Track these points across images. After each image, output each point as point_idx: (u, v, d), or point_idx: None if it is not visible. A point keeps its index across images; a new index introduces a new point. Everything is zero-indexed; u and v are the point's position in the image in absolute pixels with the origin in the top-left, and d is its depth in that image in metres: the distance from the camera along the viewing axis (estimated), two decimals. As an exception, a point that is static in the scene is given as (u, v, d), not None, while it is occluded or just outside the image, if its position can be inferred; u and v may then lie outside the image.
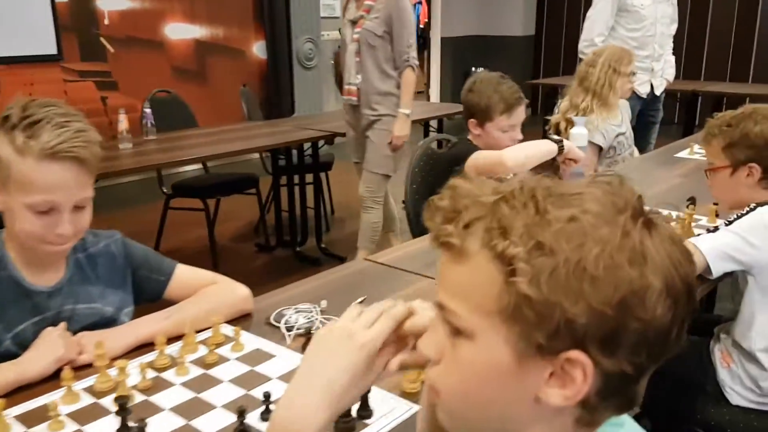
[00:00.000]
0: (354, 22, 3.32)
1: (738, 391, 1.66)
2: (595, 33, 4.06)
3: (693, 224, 1.99)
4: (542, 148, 2.08)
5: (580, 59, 4.04)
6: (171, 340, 1.28)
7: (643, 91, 4.20)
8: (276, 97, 6.49)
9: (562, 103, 3.17)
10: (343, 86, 3.48)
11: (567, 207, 0.58)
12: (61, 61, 5.13)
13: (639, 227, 0.59)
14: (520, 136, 2.21)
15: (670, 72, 4.16)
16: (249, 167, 4.36)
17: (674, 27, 4.17)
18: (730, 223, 1.60)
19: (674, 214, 1.97)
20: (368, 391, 1.04)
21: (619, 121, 3.08)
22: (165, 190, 3.82)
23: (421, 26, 10.60)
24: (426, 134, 4.64)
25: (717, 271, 1.56)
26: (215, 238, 4.28)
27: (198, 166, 4.19)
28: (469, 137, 2.26)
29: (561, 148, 2.08)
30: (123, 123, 3.18)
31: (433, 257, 0.64)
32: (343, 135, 3.68)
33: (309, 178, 4.06)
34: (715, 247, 1.56)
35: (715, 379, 1.70)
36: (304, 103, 6.55)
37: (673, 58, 4.17)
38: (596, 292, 0.55)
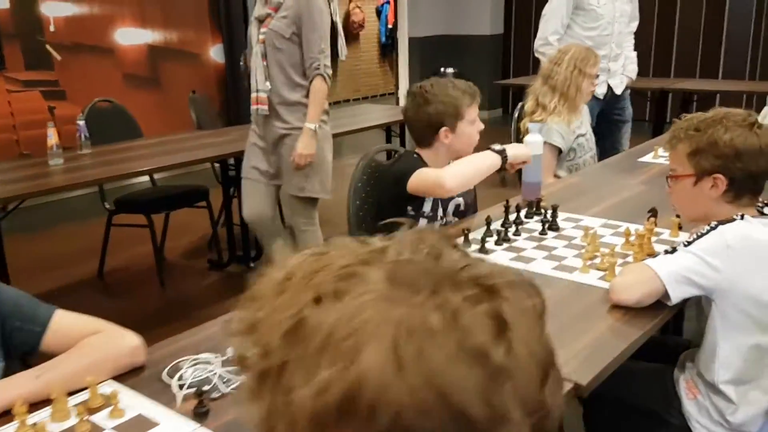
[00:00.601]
0: (261, 21, 2.93)
1: (705, 425, 1.50)
2: (549, 31, 3.94)
3: (654, 239, 1.84)
4: (484, 163, 1.92)
5: (537, 59, 3.96)
6: (41, 404, 1.09)
7: (600, 91, 4.01)
8: (235, 102, 6.28)
9: (528, 103, 3.02)
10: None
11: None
12: (3, 71, 4.88)
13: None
14: (482, 126, 2.08)
15: (632, 69, 4.00)
16: (202, 178, 4.15)
17: (635, 24, 4.02)
18: (690, 243, 1.44)
19: (633, 228, 1.81)
20: None
21: (578, 122, 2.94)
22: (107, 206, 3.61)
23: (390, 26, 10.49)
24: (388, 140, 4.47)
25: (676, 297, 1.40)
26: (165, 255, 4.10)
27: (145, 178, 3.99)
28: (419, 150, 2.08)
29: (505, 159, 1.92)
30: (52, 137, 2.95)
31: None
32: None
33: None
34: (674, 271, 1.40)
35: (680, 411, 1.55)
36: (265, 108, 6.34)
37: (634, 55, 4.01)
38: None
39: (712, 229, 1.43)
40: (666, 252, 1.46)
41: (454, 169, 1.88)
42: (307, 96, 2.87)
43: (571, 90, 2.86)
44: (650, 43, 7.48)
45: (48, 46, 5.13)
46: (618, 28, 3.87)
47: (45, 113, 5.07)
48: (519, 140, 3.00)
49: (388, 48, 10.60)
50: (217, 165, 3.85)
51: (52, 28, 5.14)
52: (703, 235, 1.43)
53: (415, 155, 2.04)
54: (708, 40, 7.21)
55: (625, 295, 1.42)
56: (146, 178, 3.95)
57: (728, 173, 1.46)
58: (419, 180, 1.87)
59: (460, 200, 2.10)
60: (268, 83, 2.92)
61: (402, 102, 9.02)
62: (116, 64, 5.55)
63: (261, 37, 2.88)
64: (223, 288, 3.69)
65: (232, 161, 3.66)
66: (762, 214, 1.50)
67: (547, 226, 1.95)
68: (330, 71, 2.89)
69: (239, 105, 6.29)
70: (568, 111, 2.89)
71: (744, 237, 1.40)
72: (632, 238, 1.76)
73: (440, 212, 2.04)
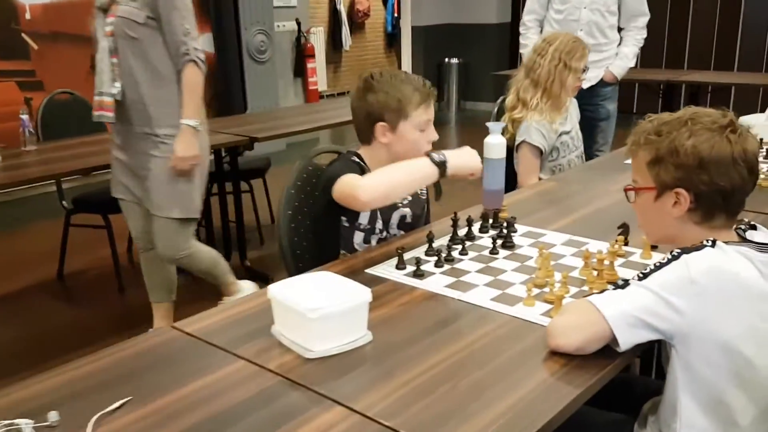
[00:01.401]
0: (105, 10, 2.43)
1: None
2: (526, 11, 3.78)
3: (620, 261, 1.57)
4: (414, 174, 1.64)
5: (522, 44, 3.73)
6: None
7: None
8: (226, 93, 6.07)
9: (509, 98, 2.75)
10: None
11: None
12: (-24, 60, 4.71)
13: None
14: (436, 136, 1.79)
15: (618, 65, 3.65)
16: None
17: (642, 20, 3.66)
18: (645, 276, 1.17)
19: (595, 248, 1.54)
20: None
21: (563, 118, 2.66)
22: (66, 205, 3.41)
23: (396, 15, 10.18)
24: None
25: (626, 342, 1.14)
26: (132, 257, 3.90)
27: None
28: (361, 149, 1.83)
29: (444, 170, 1.66)
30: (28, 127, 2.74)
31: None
32: (280, 137, 3.23)
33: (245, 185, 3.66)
34: (623, 312, 1.14)
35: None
36: (258, 99, 6.11)
37: (630, 51, 3.66)
38: None
39: (674, 258, 1.16)
40: (616, 286, 1.20)
41: (374, 179, 1.62)
42: (178, 92, 2.40)
43: (555, 86, 2.58)
44: (662, 33, 7.11)
45: (24, 35, 4.94)
46: (587, 15, 3.58)
47: (21, 104, 4.89)
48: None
49: (395, 37, 10.30)
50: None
51: (28, 16, 4.94)
52: (662, 265, 1.17)
53: (353, 156, 1.79)
54: (723, 30, 6.83)
55: (563, 339, 1.16)
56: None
57: (692, 187, 1.19)
58: (338, 189, 1.62)
59: (407, 210, 1.84)
60: (117, 85, 2.43)
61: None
62: (98, 53, 5.34)
63: (108, 29, 2.42)
64: (188, 293, 3.47)
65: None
66: (744, 239, 1.22)
67: (499, 243, 1.69)
68: (202, 55, 2.42)
69: (231, 95, 6.10)
70: (551, 108, 2.61)
71: (713, 270, 1.13)
72: (594, 260, 1.49)
73: (379, 224, 1.79)
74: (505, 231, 1.73)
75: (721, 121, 1.19)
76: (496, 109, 2.91)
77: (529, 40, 3.66)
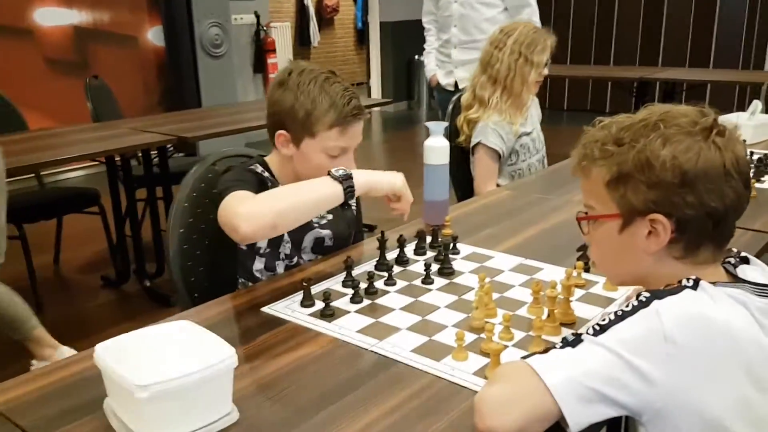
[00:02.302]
0: None
1: None
2: (424, 11, 3.57)
3: (579, 294, 1.27)
4: (310, 195, 1.32)
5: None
6: None
7: (445, 81, 3.52)
8: (178, 89, 5.71)
9: (464, 96, 2.45)
10: None
11: None
12: None
13: None
14: (353, 168, 1.43)
15: None
16: (100, 179, 3.56)
17: (526, 12, 3.26)
18: (602, 329, 0.87)
19: (550, 276, 1.24)
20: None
21: (524, 118, 2.37)
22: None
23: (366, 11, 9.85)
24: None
25: (577, 423, 0.83)
26: (60, 270, 3.56)
27: (33, 181, 3.43)
28: (269, 157, 1.52)
29: (350, 190, 1.33)
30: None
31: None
32: (212, 136, 2.90)
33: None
34: (574, 380, 0.83)
35: None
36: (213, 94, 5.74)
37: None
38: None
39: (642, 305, 0.86)
40: (564, 343, 0.89)
41: (258, 205, 1.27)
42: None
43: (516, 83, 2.29)
44: (636, 30, 6.89)
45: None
46: (458, 9, 3.33)
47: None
48: (459, 154, 2.44)
49: (365, 34, 9.98)
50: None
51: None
52: (625, 314, 0.87)
53: (254, 165, 1.47)
54: (699, 26, 6.62)
55: (495, 420, 0.84)
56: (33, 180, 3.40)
57: (674, 212, 0.89)
58: (221, 212, 1.28)
59: (325, 232, 1.52)
60: None
61: (375, 93, 8.48)
62: (36, 47, 4.96)
63: None
64: (113, 311, 3.13)
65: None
66: (735, 277, 0.93)
67: (435, 269, 1.39)
68: None
69: (183, 91, 5.74)
70: (511, 108, 2.32)
71: (694, 322, 0.84)
72: (545, 294, 1.19)
73: (286, 249, 1.46)
74: (442, 254, 1.42)
75: (703, 121, 0.89)
76: (451, 107, 2.60)
77: (429, 44, 3.55)
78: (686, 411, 0.83)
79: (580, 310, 1.21)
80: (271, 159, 1.50)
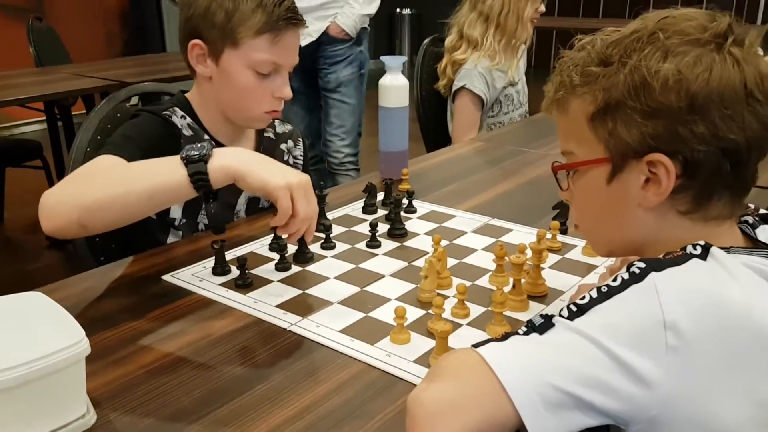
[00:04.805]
0: None
1: None
2: None
3: (553, 261, 1.05)
4: (136, 185, 0.92)
5: None
6: None
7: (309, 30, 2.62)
8: (140, 35, 5.38)
9: (449, 36, 2.19)
10: None
11: None
12: None
13: None
14: (288, 93, 1.19)
15: (347, 13, 2.59)
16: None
17: None
18: (579, 309, 0.65)
19: (520, 239, 1.01)
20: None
21: (517, 63, 2.14)
22: None
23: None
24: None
25: (545, 437, 0.62)
26: (4, 229, 3.30)
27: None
28: (190, 93, 1.26)
29: (202, 180, 0.90)
30: None
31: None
32: (155, 81, 2.62)
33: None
34: (540, 379, 0.61)
35: None
36: (177, 42, 5.43)
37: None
38: None
39: (634, 278, 0.64)
40: (530, 327, 0.67)
41: (63, 193, 0.95)
42: None
43: (510, 20, 2.06)
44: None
45: None
46: None
47: None
48: (435, 103, 2.19)
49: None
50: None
51: None
52: (612, 291, 0.64)
53: (169, 107, 1.21)
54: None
55: (430, 429, 0.63)
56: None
57: (679, 149, 0.66)
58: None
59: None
60: None
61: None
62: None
63: None
64: (59, 271, 2.89)
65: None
66: (754, 241, 0.71)
67: (383, 231, 1.16)
68: None
69: (147, 37, 5.41)
70: (506, 50, 2.09)
71: (705, 303, 0.62)
72: (510, 261, 0.96)
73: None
74: (392, 213, 1.19)
75: (713, 26, 0.66)
76: (421, 56, 2.33)
77: None
78: (688, 421, 0.62)
79: (553, 279, 0.99)
80: (192, 95, 1.24)
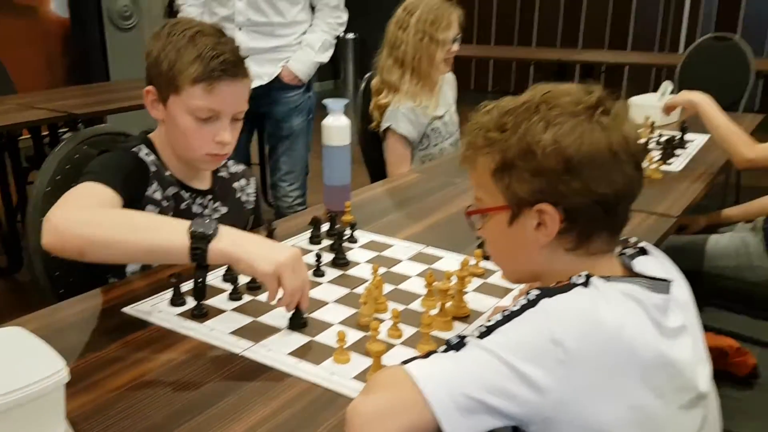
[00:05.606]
0: None
1: None
2: None
3: (477, 283, 1.19)
4: (143, 237, 1.02)
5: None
6: None
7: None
8: (84, 64, 5.35)
9: (374, 80, 2.33)
10: None
11: None
12: None
13: None
14: (228, 138, 1.27)
15: (300, 59, 2.54)
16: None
17: None
18: (488, 330, 0.78)
19: (450, 265, 1.15)
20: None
21: (436, 101, 2.28)
22: None
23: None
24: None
25: (458, 437, 0.75)
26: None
27: None
28: (154, 134, 1.36)
29: (199, 253, 0.98)
30: None
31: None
32: (103, 113, 2.66)
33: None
34: (454, 389, 0.74)
35: None
36: (123, 68, 5.40)
37: (315, 39, 2.55)
38: None
39: (530, 304, 0.78)
40: (448, 346, 0.80)
41: (76, 218, 1.05)
42: None
43: (423, 64, 2.19)
44: (557, 11, 6.94)
45: None
46: None
47: None
48: (374, 136, 2.31)
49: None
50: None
51: None
52: (513, 315, 0.78)
53: (136, 145, 1.31)
54: (617, 8, 6.72)
55: None
56: None
57: (560, 201, 0.82)
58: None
59: (224, 209, 1.39)
60: None
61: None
62: None
63: None
64: (4, 302, 2.88)
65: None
66: (630, 272, 0.86)
67: (328, 261, 1.28)
68: None
69: (90, 65, 5.38)
70: (423, 91, 2.22)
71: (585, 323, 0.76)
72: (439, 286, 1.10)
73: None
74: (336, 244, 1.31)
75: (587, 100, 0.81)
76: (363, 86, 2.48)
77: (187, 15, 2.52)
78: (578, 420, 0.76)
79: (476, 301, 1.13)
80: (154, 136, 1.34)
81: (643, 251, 0.90)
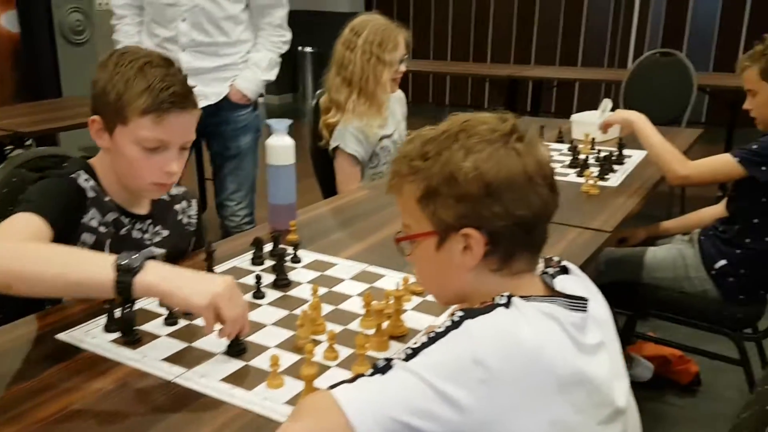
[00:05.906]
0: None
1: None
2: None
3: (416, 301, 1.21)
4: (70, 271, 1.00)
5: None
6: None
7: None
8: (34, 79, 5.24)
9: (322, 99, 2.34)
10: None
11: None
12: None
13: None
14: (175, 169, 1.27)
15: (247, 77, 2.53)
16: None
17: (279, 14, 2.55)
18: (414, 352, 0.80)
19: (392, 284, 1.16)
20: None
21: (384, 120, 2.30)
22: None
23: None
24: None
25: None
26: None
27: None
28: (95, 159, 1.34)
29: (124, 287, 0.97)
30: None
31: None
32: (50, 131, 2.58)
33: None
34: (378, 411, 0.75)
35: None
36: (74, 84, 5.31)
37: (261, 57, 2.55)
38: None
39: (454, 325, 0.80)
40: (375, 369, 0.81)
41: (2, 253, 1.03)
42: None
43: (370, 84, 2.21)
44: (510, 27, 7.09)
45: None
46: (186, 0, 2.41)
47: None
48: (326, 153, 2.32)
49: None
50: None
51: None
52: (438, 336, 0.80)
53: (75, 170, 1.29)
54: (568, 25, 6.90)
55: None
56: None
57: (484, 225, 0.84)
58: None
59: (157, 251, 1.36)
60: None
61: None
62: None
63: None
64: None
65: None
66: (551, 290, 0.88)
67: (268, 282, 1.28)
68: None
69: (41, 81, 5.28)
70: (370, 110, 2.23)
71: (505, 343, 0.78)
72: (376, 306, 1.11)
73: None
74: (277, 265, 1.32)
75: (502, 127, 0.85)
76: (314, 102, 2.49)
77: (123, 34, 2.50)
78: (500, 439, 0.77)
79: (414, 319, 1.15)
80: (96, 161, 1.33)
81: (564, 270, 0.93)
